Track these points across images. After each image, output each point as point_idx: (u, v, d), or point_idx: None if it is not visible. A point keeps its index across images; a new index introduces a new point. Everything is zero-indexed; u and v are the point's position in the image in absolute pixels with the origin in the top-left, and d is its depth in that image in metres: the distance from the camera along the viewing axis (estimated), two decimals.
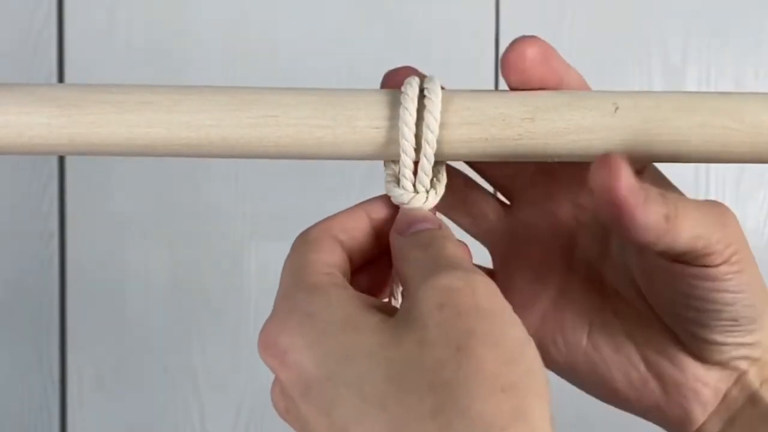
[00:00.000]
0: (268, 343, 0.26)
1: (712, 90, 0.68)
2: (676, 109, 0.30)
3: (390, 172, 0.31)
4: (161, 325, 0.68)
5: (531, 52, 0.30)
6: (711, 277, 0.30)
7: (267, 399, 0.28)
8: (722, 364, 0.32)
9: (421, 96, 0.30)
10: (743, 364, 0.32)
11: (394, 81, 0.32)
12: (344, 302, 0.26)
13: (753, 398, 0.32)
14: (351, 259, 0.30)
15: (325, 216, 0.31)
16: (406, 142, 0.30)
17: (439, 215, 0.32)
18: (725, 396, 0.32)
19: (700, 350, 0.32)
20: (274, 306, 0.27)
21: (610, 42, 0.68)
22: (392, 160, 0.31)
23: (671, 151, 0.30)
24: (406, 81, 0.30)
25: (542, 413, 0.23)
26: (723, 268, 0.29)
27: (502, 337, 0.24)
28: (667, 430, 0.34)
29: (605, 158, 0.28)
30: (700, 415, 0.33)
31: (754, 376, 0.32)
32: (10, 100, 0.30)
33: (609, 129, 0.30)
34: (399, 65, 0.33)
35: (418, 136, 0.30)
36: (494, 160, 0.32)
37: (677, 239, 0.29)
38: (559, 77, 0.31)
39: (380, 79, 0.33)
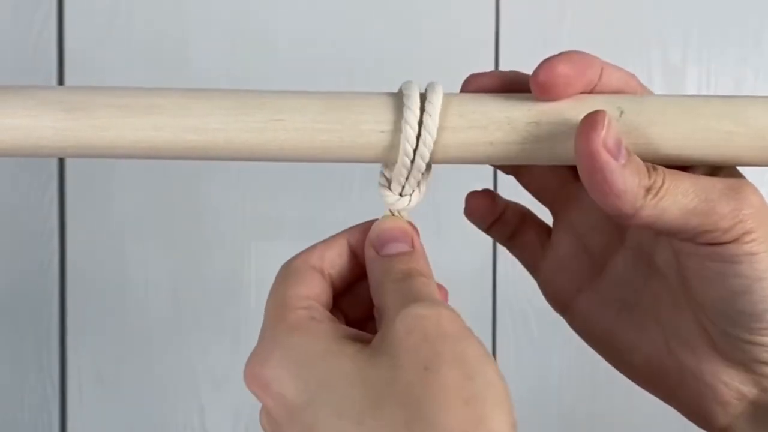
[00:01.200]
0: (253, 375, 0.28)
1: (712, 90, 0.68)
2: (680, 113, 0.30)
3: (386, 174, 0.31)
4: (161, 326, 0.68)
5: (562, 69, 0.29)
6: (717, 257, 0.28)
7: None
8: (745, 366, 0.30)
9: (423, 100, 0.30)
10: None
11: (474, 85, 0.32)
12: (321, 335, 0.28)
13: None
14: (334, 284, 0.32)
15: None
16: (408, 146, 0.30)
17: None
18: (754, 403, 0.30)
19: (723, 344, 0.30)
20: (259, 338, 0.30)
21: (610, 42, 0.68)
22: (394, 163, 0.31)
23: (675, 155, 0.30)
24: (403, 86, 0.30)
25: (502, 420, 0.25)
26: (732, 248, 0.28)
27: (464, 356, 0.26)
28: (684, 416, 0.33)
29: (591, 113, 0.28)
30: (721, 415, 0.31)
31: None
32: (16, 103, 0.30)
33: None
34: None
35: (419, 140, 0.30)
36: (499, 163, 0.32)
37: (665, 214, 0.28)
38: (593, 86, 0.30)
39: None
